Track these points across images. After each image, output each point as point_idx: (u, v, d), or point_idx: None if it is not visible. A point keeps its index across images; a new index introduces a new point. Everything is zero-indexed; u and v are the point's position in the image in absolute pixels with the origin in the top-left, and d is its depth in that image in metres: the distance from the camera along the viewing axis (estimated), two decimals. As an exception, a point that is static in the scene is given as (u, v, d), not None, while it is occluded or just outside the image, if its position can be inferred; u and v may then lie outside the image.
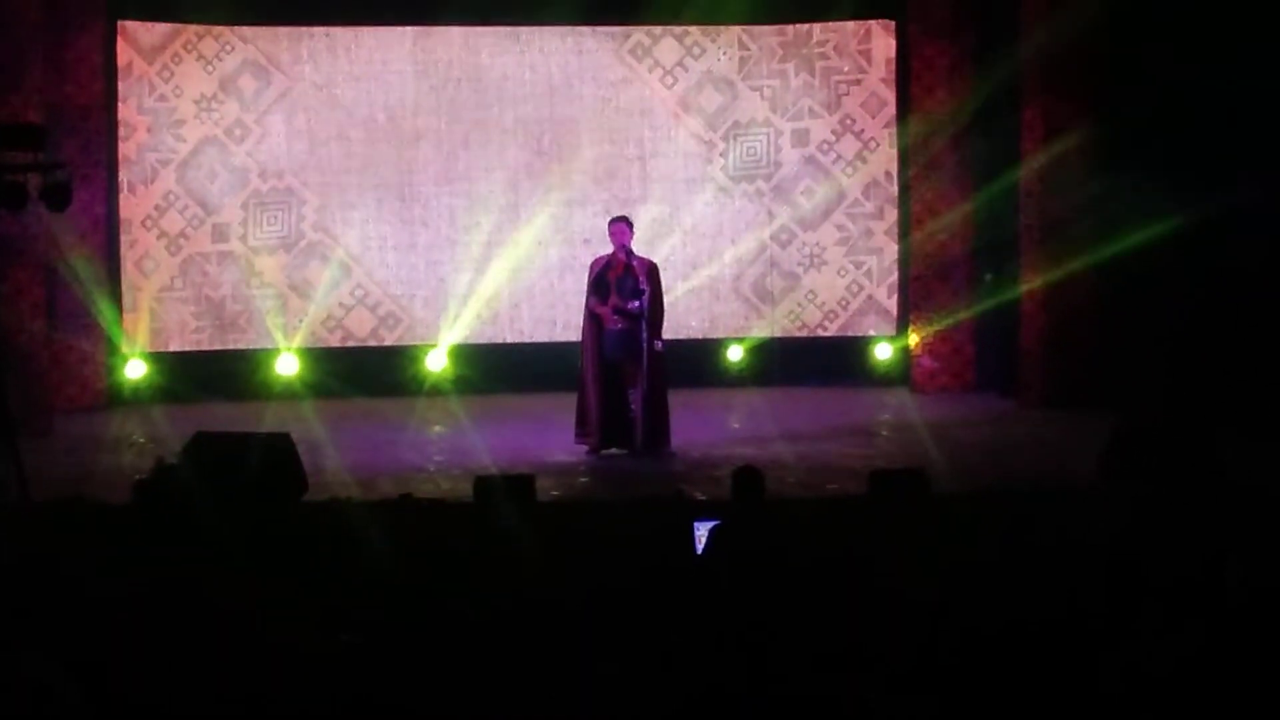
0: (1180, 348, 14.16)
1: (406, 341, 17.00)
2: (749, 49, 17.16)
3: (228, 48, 16.57)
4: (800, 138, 17.23)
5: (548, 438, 13.57)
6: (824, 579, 6.83)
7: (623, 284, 12.95)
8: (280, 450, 10.61)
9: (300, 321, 16.71)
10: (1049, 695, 5.43)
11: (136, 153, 16.41)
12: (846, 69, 17.22)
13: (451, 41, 16.93)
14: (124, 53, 16.33)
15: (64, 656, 5.43)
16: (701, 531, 8.22)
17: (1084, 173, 15.03)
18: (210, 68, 16.54)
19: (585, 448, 13.07)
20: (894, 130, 17.15)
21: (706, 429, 14.21)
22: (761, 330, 17.23)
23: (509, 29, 16.84)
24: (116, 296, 16.19)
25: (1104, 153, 14.85)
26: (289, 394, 16.49)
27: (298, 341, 16.71)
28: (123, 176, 16.36)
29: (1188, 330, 14.15)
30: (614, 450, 12.98)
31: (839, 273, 17.29)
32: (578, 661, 5.66)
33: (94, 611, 6.17)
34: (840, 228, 17.29)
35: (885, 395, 16.64)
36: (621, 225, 13.11)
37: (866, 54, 17.20)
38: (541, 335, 16.89)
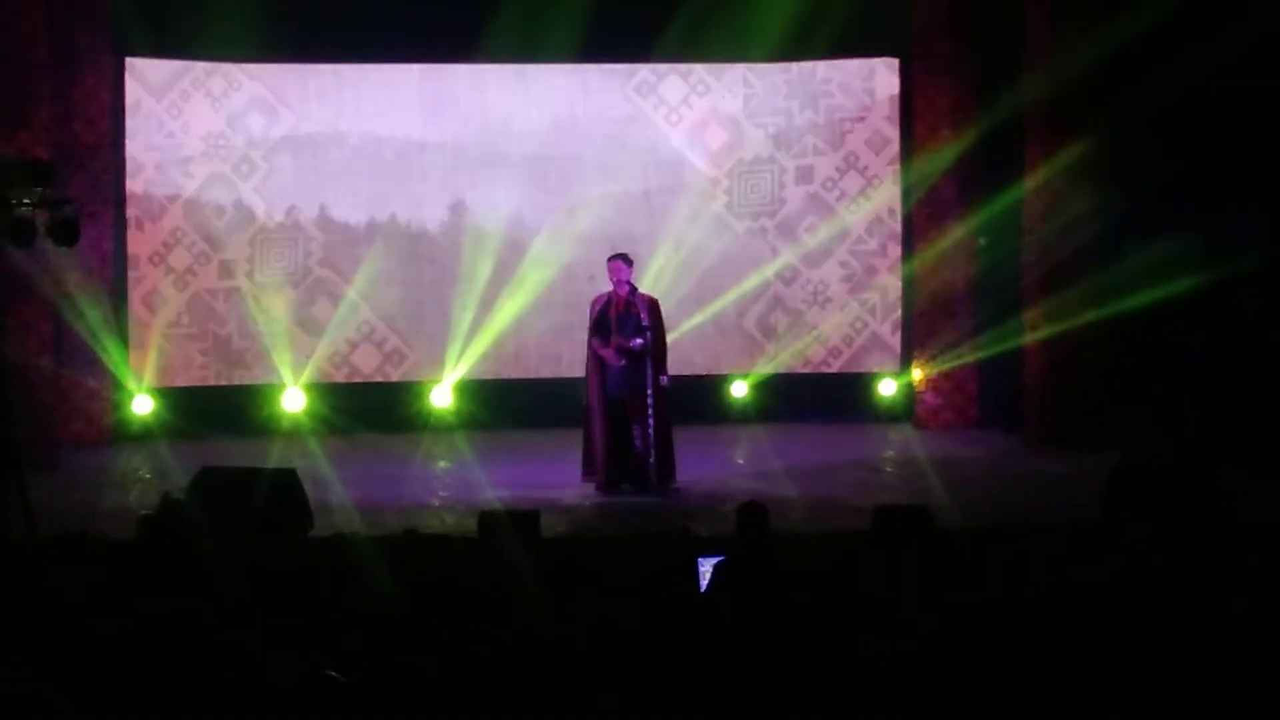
0: (1184, 384, 14.18)
1: (412, 377, 17.03)
2: (753, 86, 17.21)
3: (235, 85, 16.63)
4: (804, 175, 17.27)
5: (553, 473, 13.59)
6: (828, 614, 6.83)
7: (624, 321, 12.99)
8: (286, 486, 10.65)
9: (306, 358, 16.74)
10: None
11: (144, 189, 16.47)
12: (850, 107, 17.27)
13: (458, 79, 16.99)
14: (132, 90, 16.39)
15: (69, 691, 5.44)
16: (706, 567, 8.23)
17: (1087, 210, 15.04)
18: (218, 105, 16.60)
19: (591, 485, 13.10)
20: (897, 167, 17.19)
21: (711, 465, 14.23)
22: (765, 366, 17.25)
23: (515, 67, 16.87)
24: (123, 333, 16.22)
25: (1107, 188, 14.86)
26: (295, 429, 16.51)
27: (304, 377, 16.73)
28: (130, 213, 16.41)
29: (1192, 366, 14.17)
30: (622, 487, 13.01)
31: (842, 309, 17.32)
32: (581, 698, 5.67)
33: (99, 647, 6.17)
34: (844, 264, 17.32)
35: (889, 431, 16.66)
36: (619, 263, 13.12)
37: (870, 92, 17.25)
38: (546, 371, 16.90)
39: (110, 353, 15.82)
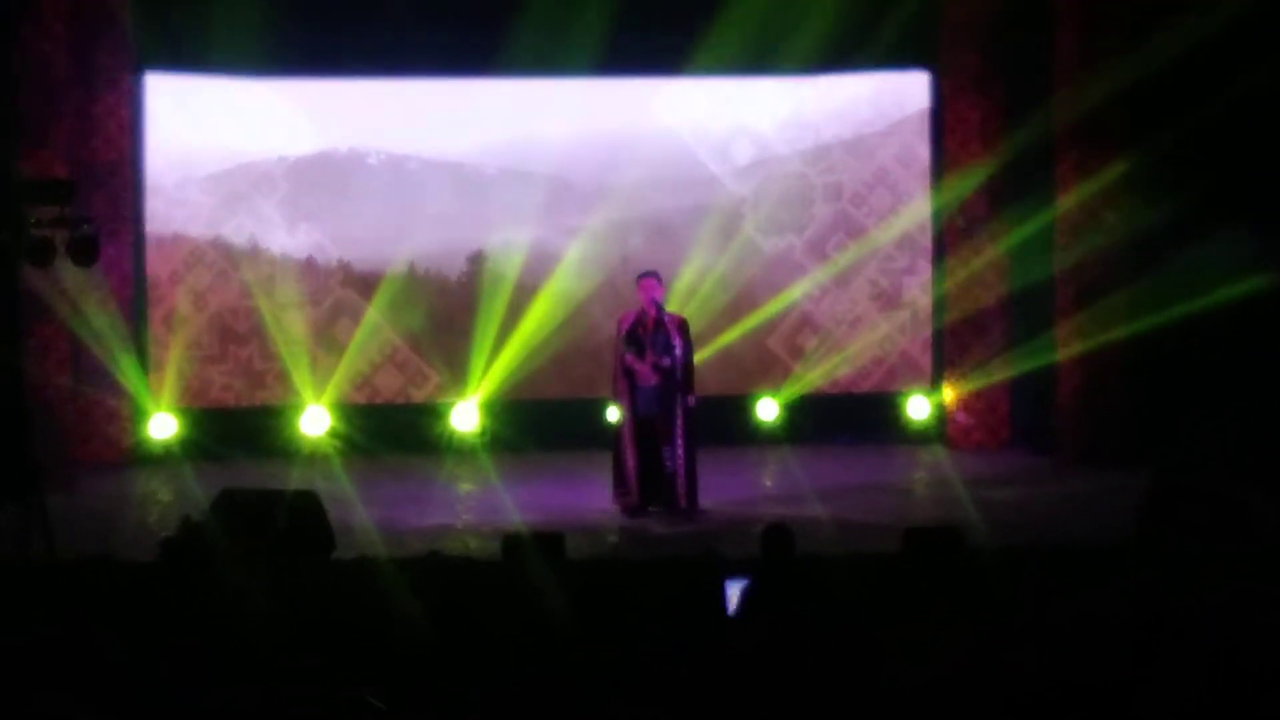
0: (1217, 403, 14.08)
1: (434, 399, 16.94)
2: (781, 101, 17.11)
3: (256, 102, 16.57)
4: (833, 191, 17.16)
5: (577, 495, 13.59)
6: (857, 637, 6.76)
7: (655, 340, 12.92)
8: (308, 507, 10.64)
9: (328, 379, 16.68)
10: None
11: (164, 208, 16.41)
12: (880, 121, 17.16)
13: (482, 95, 16.91)
14: (151, 107, 16.33)
15: (90, 713, 5.41)
16: (732, 590, 8.16)
17: (1119, 228, 14.97)
18: (238, 122, 16.54)
19: (619, 507, 13.01)
20: (927, 183, 17.09)
21: (738, 486, 14.21)
22: (794, 386, 17.14)
23: (539, 81, 16.79)
24: (143, 353, 16.17)
25: (1139, 206, 14.79)
26: (317, 451, 16.44)
27: (325, 398, 16.66)
28: (150, 232, 16.37)
29: (1224, 385, 14.08)
30: (652, 509, 12.94)
31: (872, 328, 17.20)
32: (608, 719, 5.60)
33: (120, 669, 6.13)
34: (873, 282, 17.21)
35: (919, 452, 16.54)
36: (651, 280, 13.07)
37: (900, 106, 17.14)
38: (569, 392, 16.80)
39: (127, 375, 15.75)
